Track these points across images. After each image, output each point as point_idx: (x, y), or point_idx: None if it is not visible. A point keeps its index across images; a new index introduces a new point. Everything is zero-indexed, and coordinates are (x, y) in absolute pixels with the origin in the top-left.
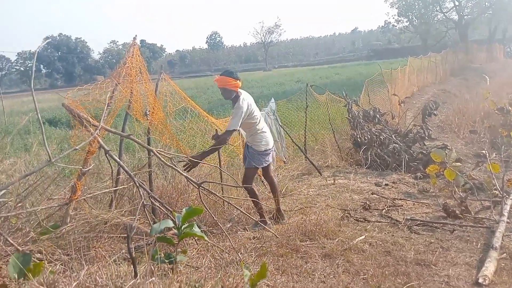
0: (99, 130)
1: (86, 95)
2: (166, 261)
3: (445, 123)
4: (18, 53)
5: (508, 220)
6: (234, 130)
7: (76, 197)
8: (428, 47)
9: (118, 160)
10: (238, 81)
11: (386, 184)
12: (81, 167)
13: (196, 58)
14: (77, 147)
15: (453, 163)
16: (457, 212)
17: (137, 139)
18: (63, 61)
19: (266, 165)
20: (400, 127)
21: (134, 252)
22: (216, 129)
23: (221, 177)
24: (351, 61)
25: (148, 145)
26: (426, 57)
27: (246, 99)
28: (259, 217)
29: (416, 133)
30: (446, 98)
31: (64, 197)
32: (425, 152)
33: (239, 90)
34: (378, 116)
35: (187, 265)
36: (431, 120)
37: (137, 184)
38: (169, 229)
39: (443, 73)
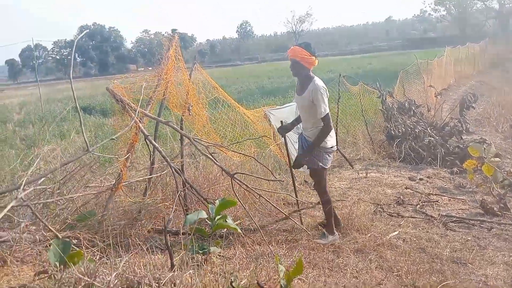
0: (138, 114)
1: (132, 83)
2: (200, 252)
3: (483, 117)
4: (54, 42)
5: None
6: (328, 113)
7: (121, 184)
8: (466, 37)
9: (156, 144)
10: (314, 58)
11: (421, 179)
12: (117, 156)
13: (226, 47)
14: (113, 137)
15: (492, 158)
16: (495, 209)
17: (175, 126)
18: (96, 50)
19: (329, 166)
20: (436, 120)
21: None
22: (282, 121)
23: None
24: (385, 51)
25: (180, 135)
26: (464, 47)
27: (323, 85)
28: (327, 227)
29: (453, 126)
30: (484, 90)
31: (100, 185)
32: (462, 146)
33: (312, 73)
34: (413, 108)
35: (219, 255)
36: (469, 113)
37: (173, 170)
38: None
39: (482, 64)
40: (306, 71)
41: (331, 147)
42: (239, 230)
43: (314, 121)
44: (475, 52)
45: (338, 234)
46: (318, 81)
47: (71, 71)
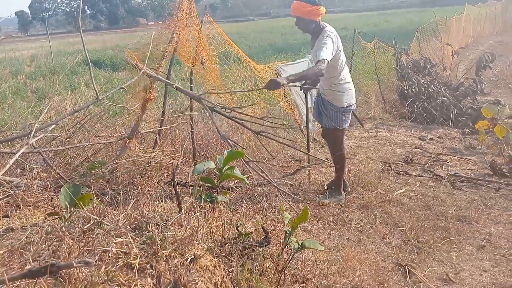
0: (142, 72)
1: (145, 45)
2: (208, 200)
3: (499, 78)
4: None
5: None
6: (328, 61)
7: (135, 135)
8: None
9: (170, 82)
10: (318, 7)
11: (431, 139)
12: (126, 106)
13: (238, 1)
14: (123, 86)
15: (505, 120)
16: (504, 170)
17: (182, 88)
18: (106, 3)
19: (347, 125)
20: (451, 80)
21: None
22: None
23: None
24: (402, 8)
25: (190, 89)
26: (485, 5)
27: (333, 32)
28: (334, 187)
29: (468, 86)
30: (503, 50)
31: (110, 135)
32: (475, 107)
33: (322, 22)
34: (428, 66)
35: (226, 204)
36: (485, 74)
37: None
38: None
39: (503, 23)
40: (313, 24)
41: (347, 107)
42: (246, 181)
43: (328, 78)
44: (496, 11)
45: (344, 195)
46: (328, 32)
47: (79, 22)
